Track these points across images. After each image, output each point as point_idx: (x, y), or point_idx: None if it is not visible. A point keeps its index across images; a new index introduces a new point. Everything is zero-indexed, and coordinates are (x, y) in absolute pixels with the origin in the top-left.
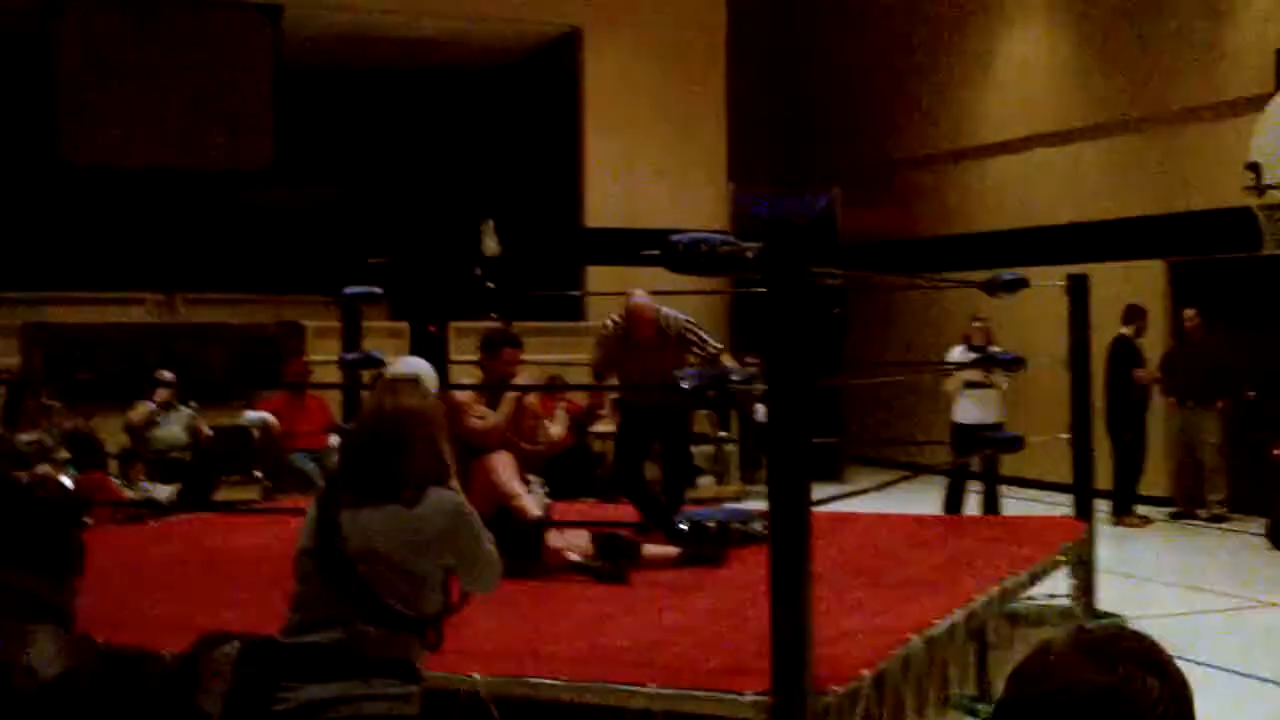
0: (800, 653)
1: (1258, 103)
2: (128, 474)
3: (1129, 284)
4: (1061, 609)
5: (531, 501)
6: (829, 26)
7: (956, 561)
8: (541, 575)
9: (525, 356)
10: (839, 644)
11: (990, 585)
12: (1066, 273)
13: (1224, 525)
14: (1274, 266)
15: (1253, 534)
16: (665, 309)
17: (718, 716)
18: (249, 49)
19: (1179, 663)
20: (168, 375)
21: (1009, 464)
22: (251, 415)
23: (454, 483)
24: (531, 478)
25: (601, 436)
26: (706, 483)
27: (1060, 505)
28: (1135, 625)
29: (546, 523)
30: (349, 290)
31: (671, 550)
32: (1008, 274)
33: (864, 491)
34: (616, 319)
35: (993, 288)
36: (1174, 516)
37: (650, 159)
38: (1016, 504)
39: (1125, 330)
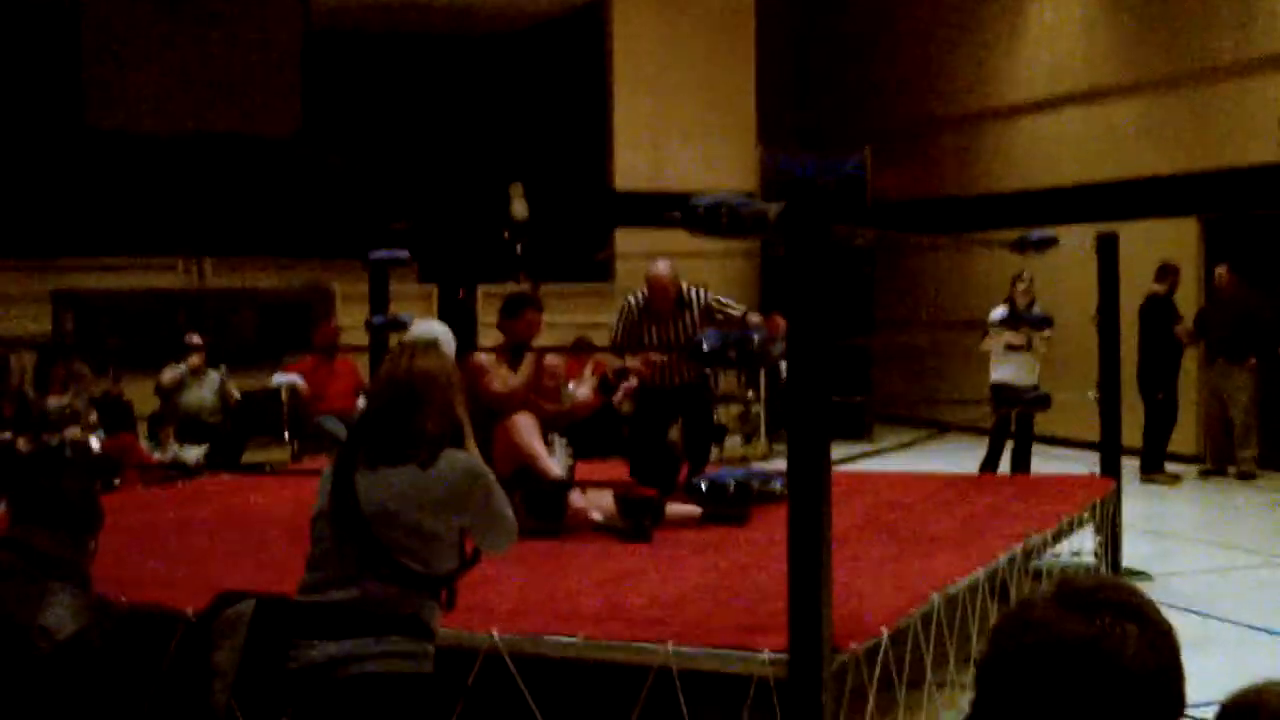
0: (817, 611)
1: None
2: (157, 437)
3: (1161, 242)
4: (1086, 567)
5: (553, 463)
6: None
7: (980, 519)
8: (564, 535)
9: (554, 319)
10: (858, 602)
11: (1014, 543)
12: (1096, 231)
13: (1254, 482)
14: None
15: None
16: (690, 285)
17: (735, 674)
18: (277, 13)
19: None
20: (197, 339)
21: (1040, 422)
22: (280, 378)
23: (470, 444)
24: (555, 438)
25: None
26: (733, 443)
27: (1090, 464)
28: (1162, 582)
29: (569, 483)
30: (375, 254)
31: (695, 510)
32: (1036, 233)
33: (887, 450)
34: (637, 295)
35: (1021, 247)
36: (1203, 474)
37: (679, 121)
38: (1046, 462)
39: (1158, 288)
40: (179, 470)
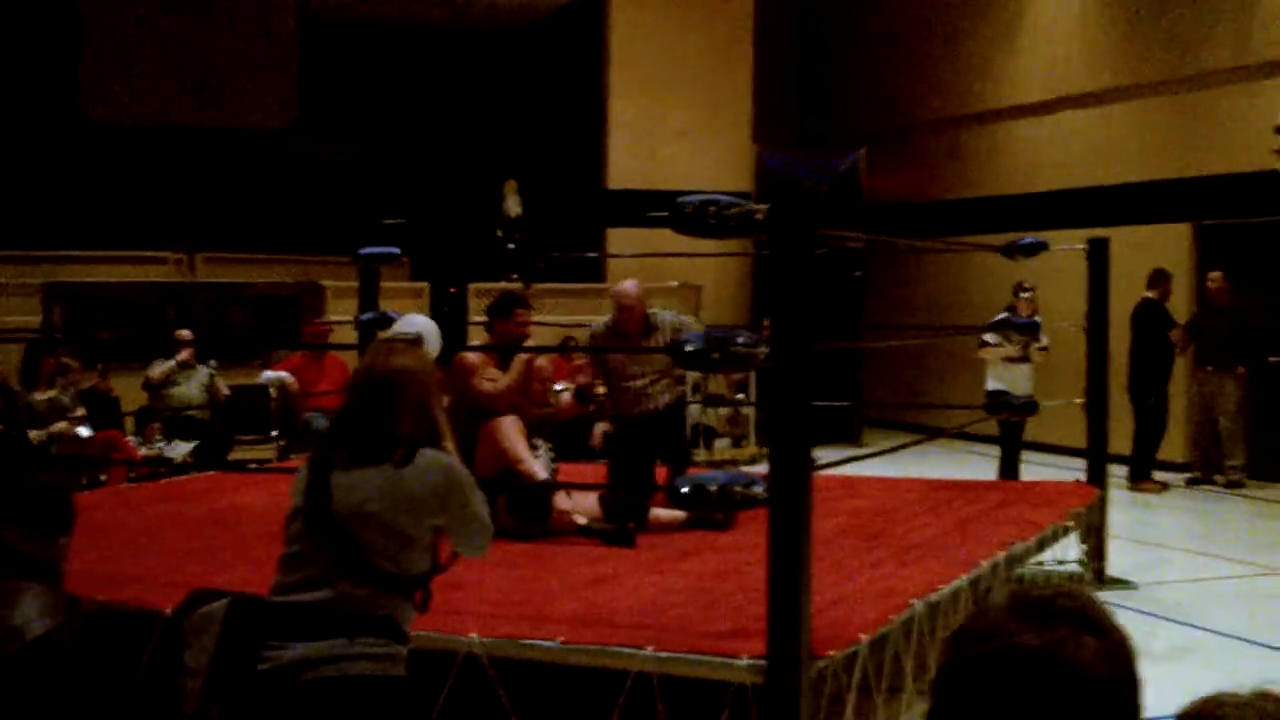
0: (796, 617)
1: None
2: (144, 432)
3: (1155, 247)
4: (1070, 574)
5: (538, 466)
6: None
7: (965, 526)
8: (547, 538)
9: (546, 318)
10: (839, 608)
11: (997, 551)
12: (1088, 237)
13: (1242, 492)
14: None
15: (1271, 500)
16: (662, 310)
17: (713, 680)
18: (274, 8)
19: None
20: (187, 334)
21: (1030, 429)
22: (269, 375)
23: (448, 443)
24: (539, 442)
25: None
26: (723, 445)
27: (1079, 471)
28: (1147, 592)
29: (553, 485)
30: (365, 251)
31: (679, 513)
32: (1027, 237)
33: (875, 455)
34: (606, 319)
35: (1011, 252)
36: (1191, 483)
37: (674, 120)
38: (1035, 469)
39: (1151, 294)
40: (165, 466)
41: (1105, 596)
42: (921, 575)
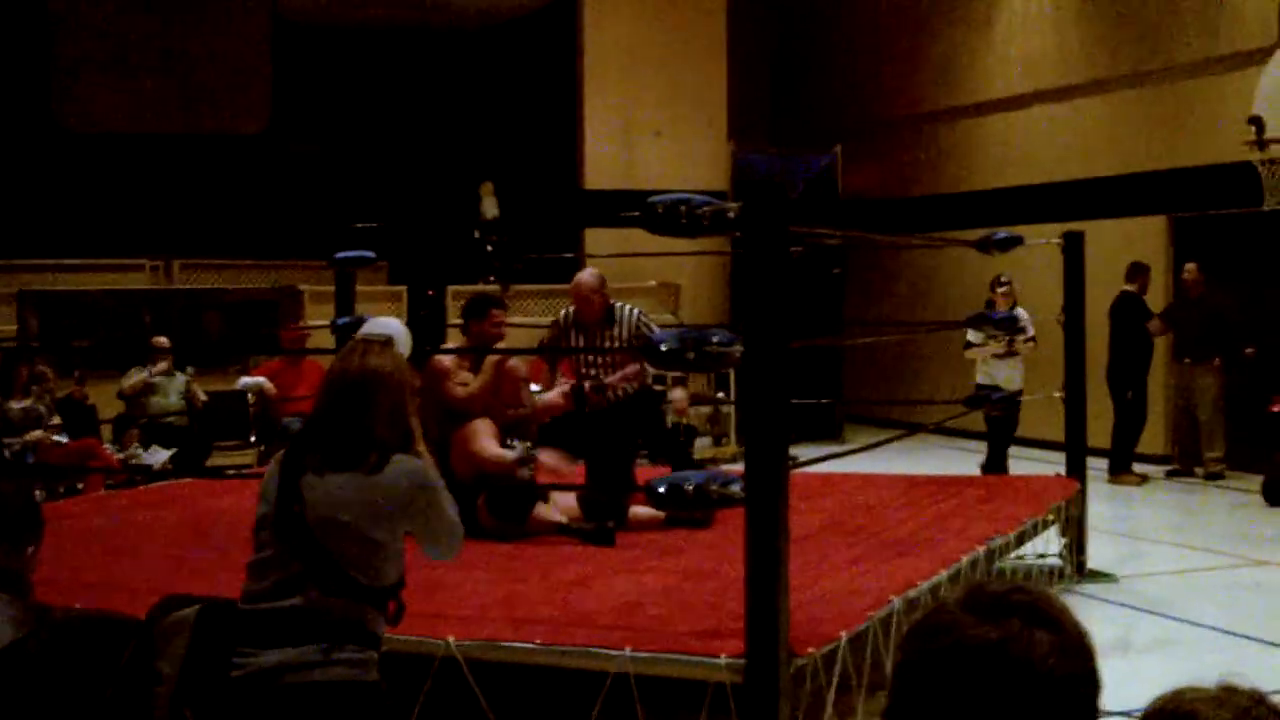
0: (774, 615)
1: (1260, 57)
2: (122, 440)
3: (1131, 240)
4: (1051, 568)
5: (512, 455)
6: None
7: (944, 521)
8: (526, 538)
9: (524, 319)
10: (818, 606)
11: (977, 545)
12: (1063, 230)
13: (1221, 483)
14: (1275, 222)
15: (1249, 492)
16: (627, 306)
17: (692, 679)
18: (246, 12)
19: (1162, 619)
20: (164, 341)
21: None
22: (247, 380)
23: (420, 447)
24: (515, 442)
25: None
26: (704, 444)
27: (1058, 464)
28: (1128, 584)
29: (532, 485)
30: (341, 255)
31: (659, 512)
32: (1002, 232)
33: (856, 451)
34: (569, 308)
35: (987, 246)
36: (1170, 474)
37: (650, 120)
38: (1016, 463)
39: (1129, 287)
40: (143, 474)
41: (1085, 589)
42: (901, 572)
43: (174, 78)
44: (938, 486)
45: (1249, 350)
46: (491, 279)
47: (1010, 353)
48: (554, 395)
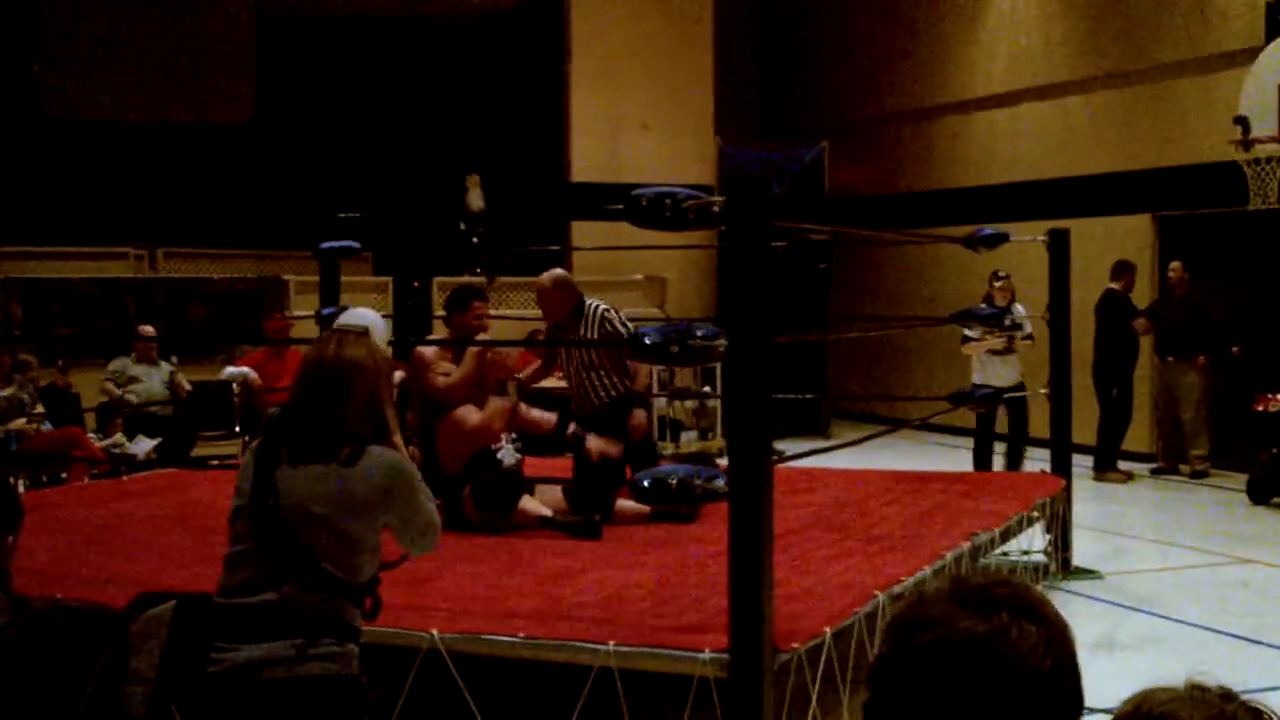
0: (758, 610)
1: (1246, 57)
2: (105, 429)
3: (1116, 239)
4: (1036, 565)
5: (504, 453)
6: None
7: (929, 517)
8: (511, 530)
9: (510, 311)
10: (803, 601)
11: (961, 542)
12: (1049, 228)
13: (1205, 481)
14: (1260, 221)
15: (1234, 490)
16: (596, 301)
17: (676, 674)
18: (231, 1)
19: (1147, 617)
20: (149, 330)
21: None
22: (231, 370)
23: (396, 438)
24: (503, 436)
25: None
26: (690, 438)
27: (1044, 461)
28: (1113, 581)
29: (517, 478)
30: (326, 245)
31: (644, 506)
32: (987, 229)
33: (841, 446)
34: None
35: (973, 243)
36: (1155, 472)
37: (636, 113)
38: (1001, 459)
39: (1114, 285)
40: (127, 463)
41: (1070, 586)
42: (886, 567)
43: (159, 66)
44: (923, 482)
45: (1235, 349)
46: (477, 271)
47: (1008, 350)
48: (540, 416)
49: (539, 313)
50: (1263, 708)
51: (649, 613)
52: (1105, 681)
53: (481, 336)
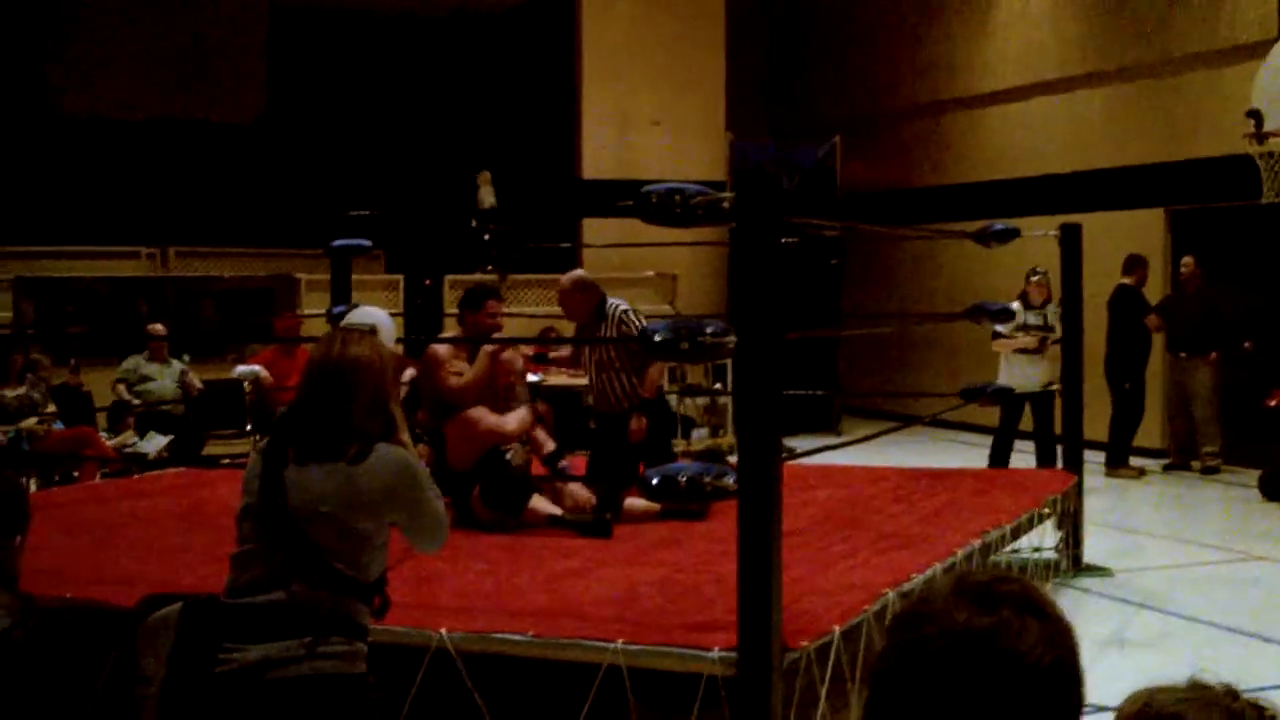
0: (767, 608)
1: (1259, 49)
2: (116, 428)
3: (1127, 234)
4: (1047, 562)
5: (512, 453)
6: None
7: (940, 514)
8: (521, 529)
9: (521, 308)
10: (813, 599)
11: (972, 539)
12: (1061, 222)
13: (1217, 477)
14: (1273, 216)
15: (1246, 486)
16: (615, 301)
17: (685, 672)
18: None
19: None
20: (160, 329)
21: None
22: (243, 369)
23: (404, 435)
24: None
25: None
26: (701, 434)
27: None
28: (1123, 578)
29: (527, 477)
30: (337, 243)
31: (654, 504)
32: (999, 224)
33: (852, 443)
34: None
35: (984, 238)
36: (1167, 469)
37: (648, 110)
38: (1014, 456)
39: (1126, 280)
40: (138, 462)
41: (1081, 583)
42: (896, 565)
43: (170, 63)
44: (934, 479)
45: (1247, 344)
46: (489, 268)
47: (1038, 350)
48: (545, 439)
49: (551, 310)
50: (1265, 704)
51: (658, 611)
52: (1115, 679)
53: (495, 336)
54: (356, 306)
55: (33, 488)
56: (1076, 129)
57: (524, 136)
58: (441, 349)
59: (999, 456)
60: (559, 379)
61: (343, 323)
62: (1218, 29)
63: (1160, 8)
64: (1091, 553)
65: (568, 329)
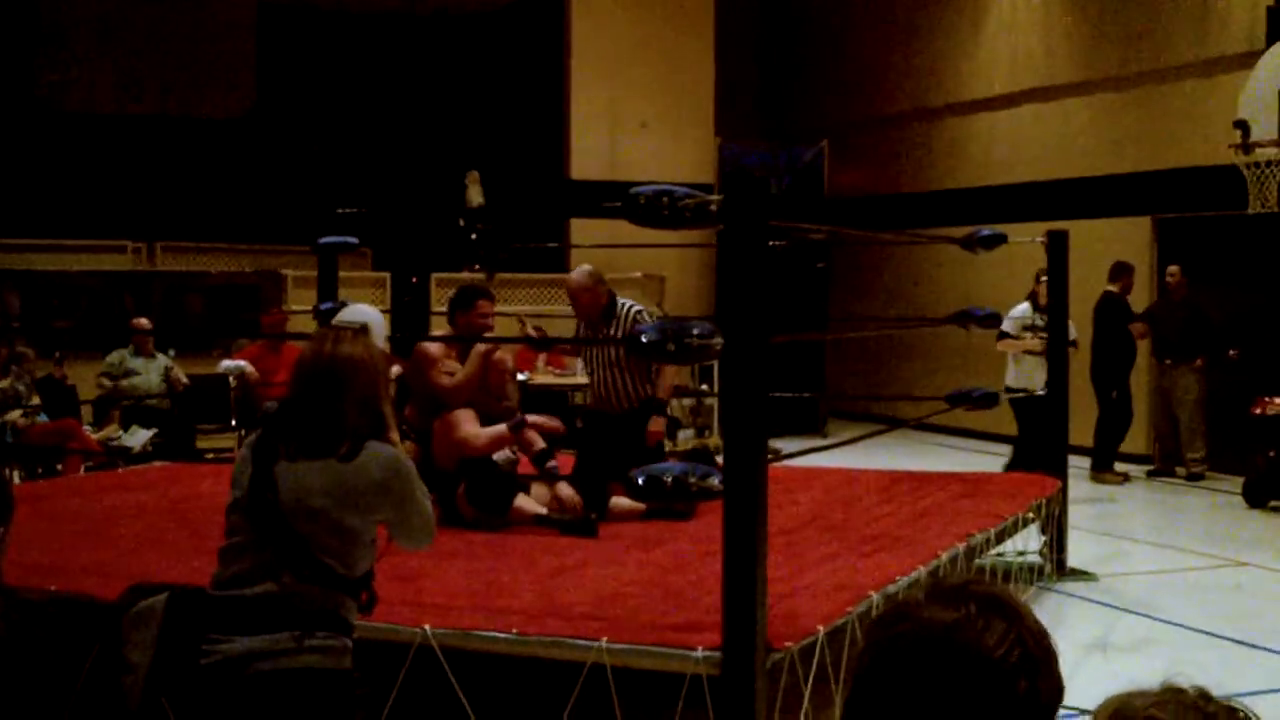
0: (751, 609)
1: (1247, 60)
2: (101, 421)
3: (1115, 241)
4: (1031, 566)
5: (499, 453)
6: None
7: (924, 517)
8: (506, 528)
9: (508, 308)
10: (797, 599)
11: (956, 541)
12: (1047, 230)
13: (1202, 484)
14: (1259, 225)
15: (1230, 493)
16: (628, 301)
17: (669, 672)
18: None
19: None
20: (145, 323)
21: (988, 420)
22: (228, 364)
23: (393, 434)
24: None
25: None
26: (687, 435)
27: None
28: (1108, 584)
29: (513, 477)
30: (324, 240)
31: (640, 504)
32: (986, 230)
33: (838, 445)
34: None
35: (971, 244)
36: (1152, 475)
37: (637, 111)
38: (998, 460)
39: (1112, 287)
40: (123, 456)
41: (1065, 588)
42: (880, 566)
43: (158, 58)
44: (919, 482)
45: (1232, 352)
46: (476, 267)
47: (1042, 352)
48: (534, 438)
49: (538, 309)
50: (1239, 706)
51: (642, 610)
52: (1098, 683)
53: (486, 336)
54: (345, 304)
55: (16, 480)
56: (1064, 137)
57: (512, 136)
58: (433, 347)
59: (1020, 460)
60: (546, 377)
61: (334, 320)
62: (1206, 39)
63: (1149, 18)
64: (1076, 557)
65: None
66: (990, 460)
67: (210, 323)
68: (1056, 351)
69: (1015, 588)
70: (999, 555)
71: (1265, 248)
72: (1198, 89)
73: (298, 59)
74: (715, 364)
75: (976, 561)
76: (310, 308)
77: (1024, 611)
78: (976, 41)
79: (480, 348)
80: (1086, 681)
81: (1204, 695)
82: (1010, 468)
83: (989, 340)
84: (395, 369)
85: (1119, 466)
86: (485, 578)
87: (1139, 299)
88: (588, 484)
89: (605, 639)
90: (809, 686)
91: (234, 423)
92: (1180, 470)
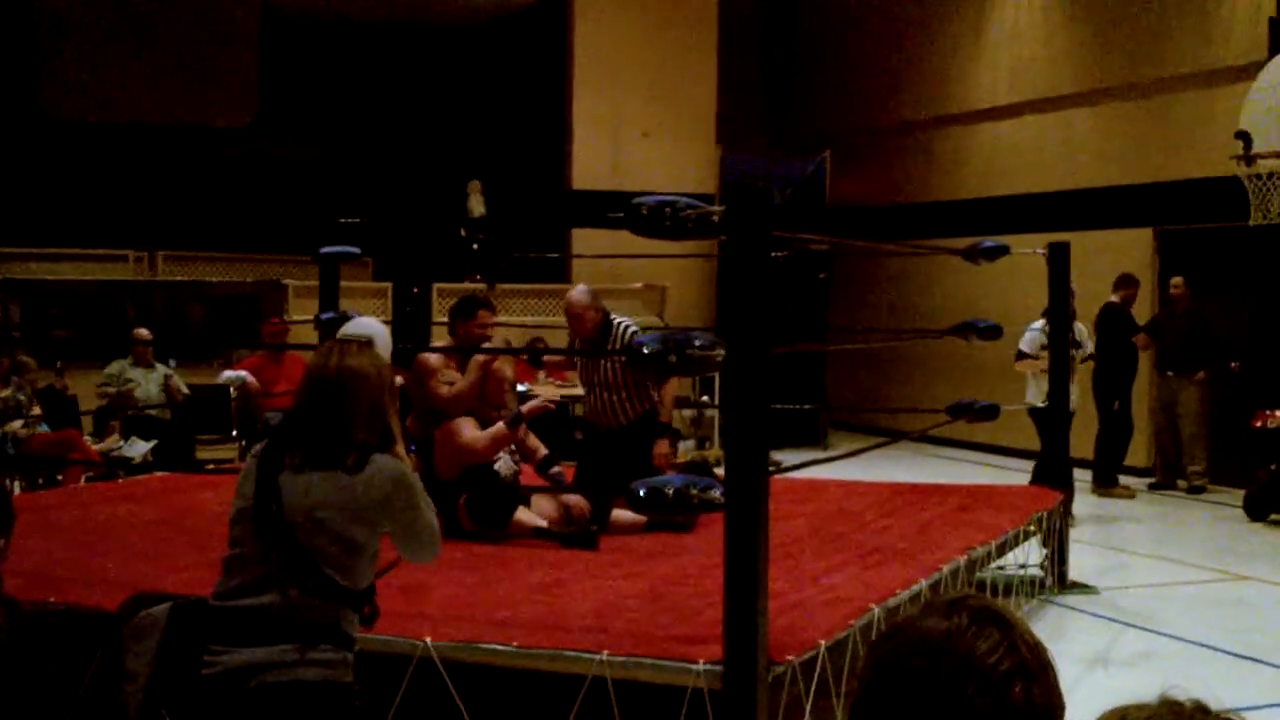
0: (753, 621)
1: (1249, 71)
2: (102, 432)
3: (1117, 252)
4: (1032, 579)
5: (501, 463)
6: None
7: (926, 530)
8: (507, 540)
9: (509, 318)
10: (798, 613)
11: (957, 555)
12: (1049, 241)
13: (1203, 497)
14: (1261, 237)
15: (1231, 506)
16: (623, 321)
17: (670, 685)
18: (235, 4)
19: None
20: (145, 333)
21: (990, 432)
22: (229, 374)
23: (399, 448)
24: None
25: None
26: (687, 447)
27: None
28: (1109, 597)
29: (514, 489)
30: (325, 250)
31: (640, 516)
32: (988, 241)
33: (839, 457)
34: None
35: (973, 255)
36: (1153, 487)
37: (638, 121)
38: (1001, 474)
39: (1114, 298)
40: (123, 466)
41: (1066, 601)
42: (882, 580)
43: (161, 69)
44: (920, 495)
45: (1234, 365)
46: (477, 277)
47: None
48: (537, 445)
49: (539, 320)
50: (1235, 719)
51: (643, 623)
52: (1099, 697)
53: (486, 347)
54: (345, 314)
55: (17, 490)
56: (1067, 148)
57: (514, 146)
58: (433, 357)
59: (1044, 474)
60: (546, 389)
61: (339, 333)
62: (1208, 50)
63: (1151, 28)
64: (1077, 570)
65: (552, 338)
66: (993, 473)
67: (211, 333)
68: (1058, 365)
69: (1016, 600)
70: (1000, 568)
71: (1267, 260)
72: (1200, 100)
73: (300, 69)
74: (716, 375)
75: (978, 574)
76: (311, 318)
77: (1018, 622)
78: (979, 52)
79: (479, 357)
80: (1087, 695)
81: (1201, 708)
82: (1035, 482)
83: (991, 352)
84: (396, 380)
85: (1122, 480)
86: (486, 590)
87: (1141, 311)
88: (588, 497)
89: (606, 652)
90: (810, 700)
91: (235, 433)
92: (1181, 483)
